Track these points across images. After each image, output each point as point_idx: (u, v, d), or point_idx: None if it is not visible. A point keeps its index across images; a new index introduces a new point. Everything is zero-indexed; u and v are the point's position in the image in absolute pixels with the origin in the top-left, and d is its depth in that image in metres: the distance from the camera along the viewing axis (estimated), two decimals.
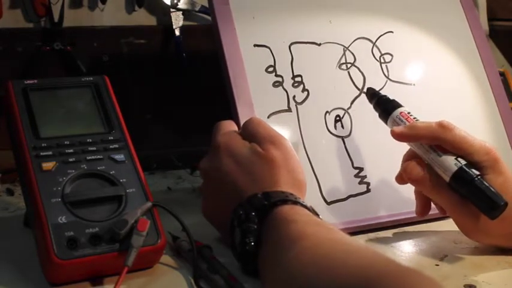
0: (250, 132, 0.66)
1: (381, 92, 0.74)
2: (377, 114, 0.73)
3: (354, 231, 0.72)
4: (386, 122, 0.71)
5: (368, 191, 0.75)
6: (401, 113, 0.70)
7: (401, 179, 0.70)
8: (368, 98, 0.74)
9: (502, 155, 0.80)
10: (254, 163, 0.63)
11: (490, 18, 1.22)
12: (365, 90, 0.78)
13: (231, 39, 0.74)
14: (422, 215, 0.71)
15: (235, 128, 0.70)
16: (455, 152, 0.65)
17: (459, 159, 0.65)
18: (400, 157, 0.75)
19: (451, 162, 0.65)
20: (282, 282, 0.51)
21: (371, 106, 0.74)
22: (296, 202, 0.59)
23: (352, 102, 0.78)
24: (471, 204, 0.64)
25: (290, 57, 0.77)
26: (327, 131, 0.76)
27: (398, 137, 0.68)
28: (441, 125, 0.66)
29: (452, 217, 0.68)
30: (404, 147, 0.72)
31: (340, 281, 0.45)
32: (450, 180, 0.64)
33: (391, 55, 0.82)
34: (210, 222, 0.68)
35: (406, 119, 0.69)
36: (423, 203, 0.70)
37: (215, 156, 0.66)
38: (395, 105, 0.71)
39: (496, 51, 1.22)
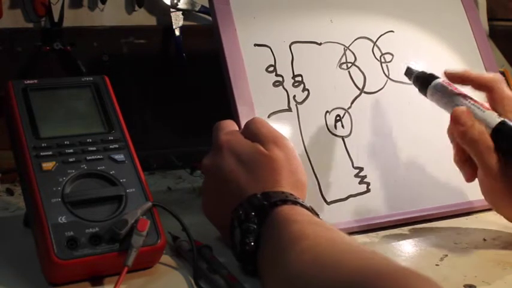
0: (253, 132, 0.66)
1: (378, 95, 0.75)
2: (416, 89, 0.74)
3: (354, 231, 0.72)
4: (425, 94, 0.73)
5: (368, 191, 0.75)
6: (443, 81, 0.72)
7: (456, 148, 0.69)
8: (407, 76, 0.75)
9: None
10: (256, 162, 0.63)
11: (490, 18, 1.22)
12: (365, 90, 0.78)
13: (231, 39, 0.74)
14: (472, 180, 0.70)
15: (236, 127, 0.70)
16: (498, 106, 0.68)
17: (500, 116, 0.67)
18: (400, 157, 0.76)
19: (493, 116, 0.67)
20: (282, 282, 0.51)
21: (371, 106, 0.74)
22: (296, 202, 0.59)
23: (352, 102, 0.78)
24: (508, 166, 0.65)
25: (290, 56, 0.77)
26: (327, 131, 0.76)
27: (451, 76, 0.71)
28: (494, 76, 0.71)
29: (487, 174, 0.66)
30: (404, 147, 0.72)
31: (339, 280, 0.45)
32: (492, 132, 0.66)
33: (392, 55, 0.82)
34: (210, 220, 0.68)
35: (448, 84, 0.71)
36: (470, 170, 0.69)
37: (218, 154, 0.66)
38: (434, 76, 0.73)
39: (496, 51, 1.22)
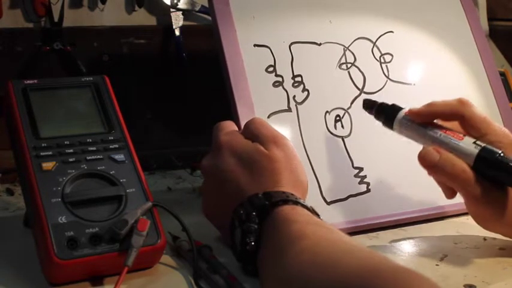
0: (253, 132, 0.66)
1: (378, 95, 0.74)
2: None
3: (354, 231, 0.72)
4: (392, 127, 0.69)
5: (368, 191, 0.75)
6: (407, 112, 0.67)
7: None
8: (367, 110, 0.71)
9: None
10: (257, 163, 0.63)
11: (490, 18, 1.22)
12: (365, 90, 0.78)
13: (231, 39, 0.74)
14: (452, 197, 0.68)
15: (236, 128, 0.70)
16: (472, 131, 0.64)
17: (477, 142, 0.63)
18: (400, 157, 0.75)
19: (471, 146, 0.63)
20: (281, 282, 0.52)
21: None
22: (297, 202, 0.59)
23: (352, 102, 0.78)
24: (492, 190, 0.62)
25: (290, 57, 0.77)
26: (327, 131, 0.76)
27: (416, 116, 0.66)
28: (461, 101, 0.66)
29: (471, 203, 0.64)
30: (404, 146, 0.72)
31: (338, 280, 0.45)
32: (475, 163, 0.62)
33: (391, 55, 0.82)
34: (210, 221, 0.68)
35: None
36: (446, 187, 0.67)
37: (217, 155, 0.66)
38: (397, 108, 0.69)
39: (496, 51, 1.22)
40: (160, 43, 1.02)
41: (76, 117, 0.67)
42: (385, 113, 0.69)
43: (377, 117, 0.70)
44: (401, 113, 0.68)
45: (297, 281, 0.49)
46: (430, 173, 0.65)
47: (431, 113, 0.66)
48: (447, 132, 0.65)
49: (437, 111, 0.66)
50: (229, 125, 0.69)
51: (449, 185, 0.66)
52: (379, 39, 0.82)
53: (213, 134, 0.68)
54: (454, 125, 0.67)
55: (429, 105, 0.67)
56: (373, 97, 0.78)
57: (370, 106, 0.71)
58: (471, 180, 0.62)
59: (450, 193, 0.67)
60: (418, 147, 0.78)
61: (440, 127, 0.66)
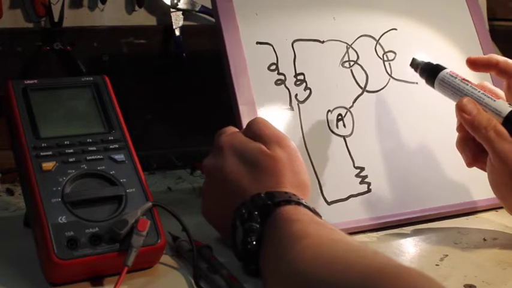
0: (255, 132, 0.66)
1: (380, 93, 0.74)
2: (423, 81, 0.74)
3: (355, 231, 0.72)
4: (433, 85, 0.72)
5: (369, 191, 0.75)
6: (450, 72, 0.71)
7: (460, 129, 0.70)
8: (413, 67, 0.75)
9: None
10: (259, 163, 0.63)
11: (490, 18, 1.22)
12: (367, 88, 0.78)
13: (233, 37, 0.74)
14: (472, 166, 0.71)
15: (238, 131, 0.69)
16: None
17: None
18: (401, 157, 0.75)
19: (505, 105, 0.67)
20: (283, 281, 0.52)
21: (373, 105, 0.74)
22: (299, 203, 0.59)
23: (354, 101, 0.78)
24: None
25: (293, 55, 0.77)
26: (329, 130, 0.76)
27: (473, 63, 0.72)
28: None
29: (496, 161, 0.66)
30: (406, 146, 0.72)
31: (340, 279, 0.45)
32: (504, 121, 0.65)
33: (395, 53, 0.82)
34: (210, 222, 0.68)
35: (456, 75, 0.71)
36: (470, 154, 0.70)
37: (219, 155, 0.66)
38: (440, 67, 0.72)
39: (496, 51, 1.22)
40: (160, 43, 1.02)
41: (76, 117, 0.67)
42: (429, 71, 0.73)
43: (421, 74, 0.74)
44: (444, 71, 0.72)
45: (299, 278, 0.49)
46: (463, 125, 0.68)
47: (488, 63, 0.71)
48: (485, 91, 0.68)
49: (494, 62, 0.71)
50: (231, 129, 0.69)
51: (479, 140, 0.67)
52: (382, 37, 0.81)
53: (215, 137, 0.68)
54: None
55: (489, 56, 0.72)
56: (375, 96, 0.79)
57: (415, 64, 0.74)
58: (502, 136, 0.65)
59: (472, 160, 0.70)
60: (420, 147, 0.78)
61: (479, 86, 0.69)
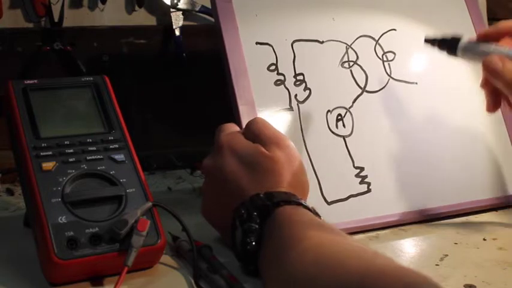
0: (254, 133, 0.66)
1: (380, 94, 0.74)
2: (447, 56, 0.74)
3: (354, 231, 0.72)
4: (456, 54, 0.73)
5: (369, 191, 0.75)
6: (469, 39, 0.72)
7: (484, 82, 0.72)
8: (429, 44, 0.75)
9: (503, 153, 0.80)
10: (258, 163, 0.63)
11: (490, 18, 1.22)
12: (367, 89, 0.78)
13: (233, 37, 0.74)
14: (493, 112, 0.73)
15: (238, 129, 0.69)
16: None
17: None
18: (400, 157, 0.75)
19: None
20: (283, 282, 0.52)
21: (372, 105, 0.74)
22: (299, 203, 0.59)
23: (354, 101, 0.78)
24: None
25: (292, 55, 0.77)
26: (328, 130, 0.76)
27: (484, 37, 0.72)
28: None
29: None
30: (405, 146, 0.72)
31: (342, 280, 0.45)
32: None
33: (394, 53, 0.82)
34: (209, 222, 0.68)
35: (476, 40, 0.72)
36: (494, 100, 0.72)
37: (218, 155, 0.66)
38: (457, 37, 0.73)
39: None
40: (160, 43, 1.02)
41: (76, 117, 0.67)
42: (448, 44, 0.73)
43: (441, 48, 0.74)
44: (463, 42, 0.72)
45: (300, 281, 0.49)
46: (488, 80, 0.70)
47: (498, 31, 0.72)
48: (511, 47, 0.70)
49: (503, 27, 0.72)
50: (231, 127, 0.69)
51: (506, 93, 0.69)
52: (381, 37, 0.82)
53: (215, 135, 0.68)
54: None
55: (495, 25, 0.73)
56: (374, 96, 0.79)
57: (431, 40, 0.75)
58: None
59: (494, 106, 0.72)
60: (419, 147, 0.78)
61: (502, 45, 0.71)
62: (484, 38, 0.72)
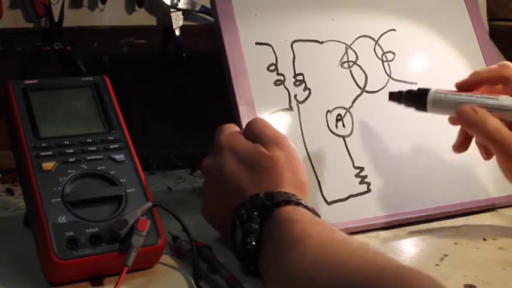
0: (254, 133, 0.66)
1: (380, 94, 0.74)
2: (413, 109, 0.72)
3: (354, 231, 0.72)
4: (426, 109, 0.70)
5: (368, 191, 0.75)
6: (436, 90, 0.70)
7: (453, 122, 0.71)
8: (395, 101, 0.72)
9: None
10: (258, 163, 0.63)
11: (490, 18, 1.22)
12: (366, 89, 0.78)
13: (232, 37, 0.74)
14: (458, 152, 0.72)
15: (238, 129, 0.70)
16: None
17: None
18: (401, 157, 0.75)
19: (507, 101, 0.66)
20: (284, 282, 0.52)
21: (372, 105, 0.74)
22: (299, 203, 0.59)
23: (353, 101, 0.78)
24: None
25: (292, 55, 0.77)
26: (328, 130, 0.76)
27: (463, 86, 0.70)
28: (502, 65, 0.70)
29: (505, 160, 0.66)
30: (405, 146, 0.71)
31: (342, 280, 0.45)
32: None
33: (394, 53, 0.82)
34: (209, 222, 0.68)
35: (444, 91, 0.70)
36: (463, 140, 0.71)
37: (218, 155, 0.66)
38: (425, 90, 0.70)
39: (496, 51, 1.22)
40: (160, 43, 1.02)
41: (76, 117, 0.67)
42: (415, 98, 0.71)
43: (408, 104, 0.71)
44: (431, 92, 0.70)
45: (300, 280, 0.49)
46: (466, 132, 0.69)
47: (477, 81, 0.70)
48: (482, 93, 0.68)
49: (482, 77, 0.70)
50: (231, 127, 0.69)
51: (483, 143, 0.68)
52: (381, 38, 0.82)
53: (215, 135, 0.68)
54: (498, 89, 0.70)
55: (473, 74, 0.71)
56: (374, 96, 0.79)
57: (397, 97, 0.72)
58: (505, 138, 0.65)
59: (461, 146, 0.71)
60: (419, 147, 0.78)
61: (474, 93, 0.69)
62: (463, 87, 0.70)
